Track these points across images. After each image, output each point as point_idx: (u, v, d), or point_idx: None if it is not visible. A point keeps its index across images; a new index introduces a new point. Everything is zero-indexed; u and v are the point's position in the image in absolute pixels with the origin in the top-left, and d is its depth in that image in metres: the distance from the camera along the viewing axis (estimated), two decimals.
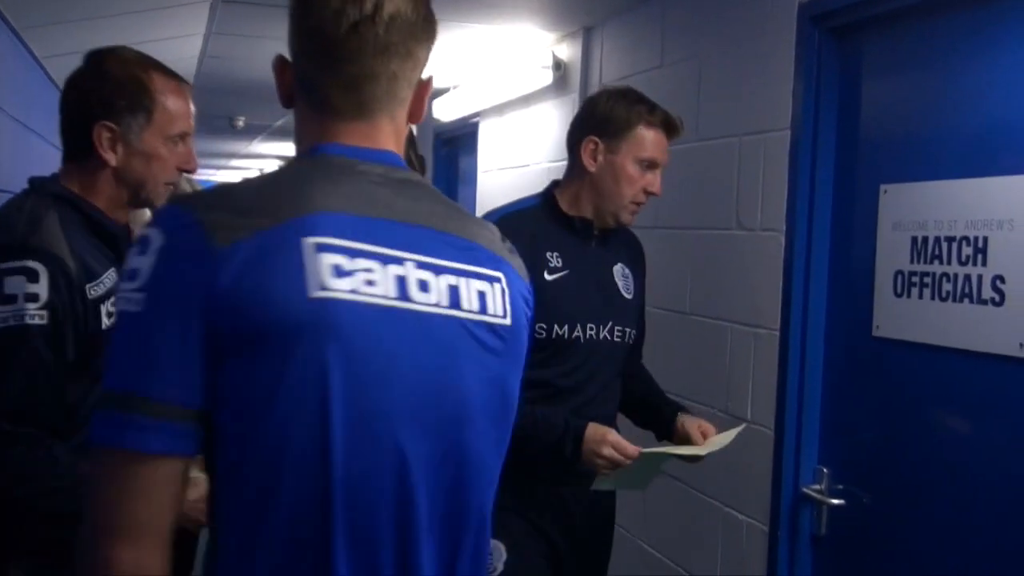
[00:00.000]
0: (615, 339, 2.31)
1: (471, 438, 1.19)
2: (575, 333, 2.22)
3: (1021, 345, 2.02)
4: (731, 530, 2.91)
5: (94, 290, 1.73)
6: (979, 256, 2.12)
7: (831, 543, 2.58)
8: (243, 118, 8.17)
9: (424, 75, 1.27)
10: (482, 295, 1.21)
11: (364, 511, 1.11)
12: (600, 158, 2.26)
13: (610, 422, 2.34)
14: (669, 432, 2.41)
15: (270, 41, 4.55)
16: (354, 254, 1.11)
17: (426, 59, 1.25)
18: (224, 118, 8.09)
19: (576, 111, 2.36)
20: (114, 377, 1.07)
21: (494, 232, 1.29)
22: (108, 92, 1.75)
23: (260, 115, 8.02)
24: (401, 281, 1.14)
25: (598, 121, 2.27)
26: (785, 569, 2.67)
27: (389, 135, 1.23)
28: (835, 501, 2.52)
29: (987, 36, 2.17)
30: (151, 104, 1.77)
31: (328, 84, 1.20)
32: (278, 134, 9.55)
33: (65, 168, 1.83)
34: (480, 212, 5.18)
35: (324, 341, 1.07)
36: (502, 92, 4.72)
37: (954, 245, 2.18)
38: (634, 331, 2.38)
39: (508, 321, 1.23)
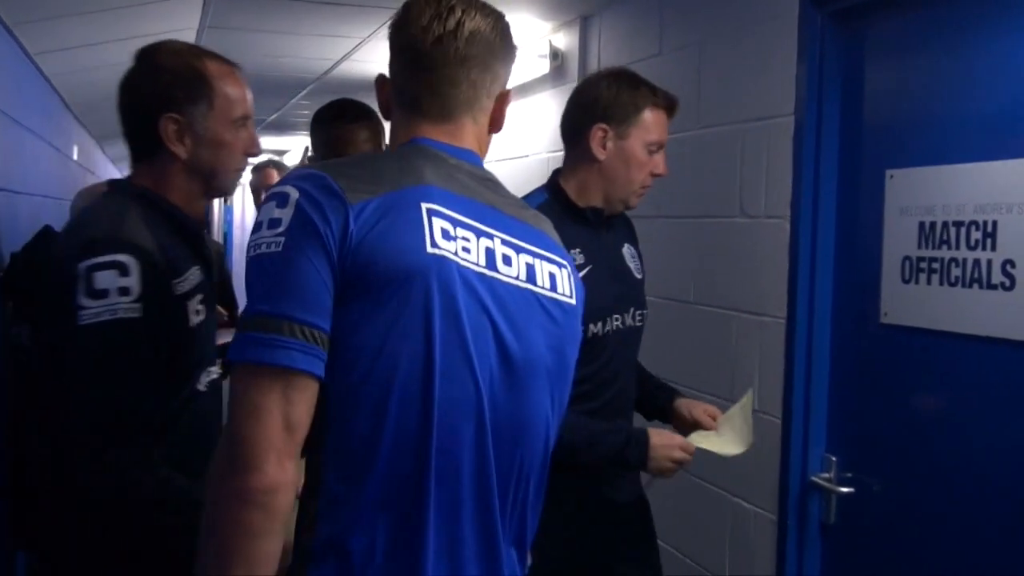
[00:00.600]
0: (636, 323, 2.31)
1: (533, 392, 1.37)
2: (607, 328, 2.20)
3: None
4: (739, 520, 2.89)
5: (179, 287, 1.70)
6: (988, 240, 2.10)
7: (840, 532, 2.56)
8: None
9: (502, 87, 1.47)
10: (552, 276, 1.41)
11: (452, 440, 1.28)
12: (609, 145, 2.23)
13: (632, 407, 2.35)
14: (665, 416, 2.41)
15: (264, 35, 4.52)
16: (456, 223, 1.31)
17: (505, 76, 1.46)
18: None
19: (571, 98, 2.31)
20: (261, 303, 1.21)
21: (552, 228, 1.49)
22: (167, 84, 1.73)
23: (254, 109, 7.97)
24: (490, 253, 1.33)
25: (604, 108, 2.23)
26: (794, 558, 2.65)
27: (471, 137, 1.43)
28: (844, 489, 2.51)
29: (993, 18, 2.14)
30: (210, 91, 1.76)
31: (417, 89, 1.41)
32: (271, 128, 9.51)
33: (136, 169, 1.81)
34: None
35: (434, 288, 1.26)
36: None
37: (963, 230, 2.16)
38: (647, 310, 2.37)
39: (574, 301, 1.45)
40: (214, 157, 1.78)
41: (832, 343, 2.61)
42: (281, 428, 1.19)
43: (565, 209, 2.25)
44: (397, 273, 1.24)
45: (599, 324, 2.18)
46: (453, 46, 1.38)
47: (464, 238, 1.31)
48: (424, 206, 1.29)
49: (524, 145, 4.57)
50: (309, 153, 2.64)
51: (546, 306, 1.39)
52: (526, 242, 1.39)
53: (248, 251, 1.26)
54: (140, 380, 1.61)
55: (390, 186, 1.28)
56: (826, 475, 2.57)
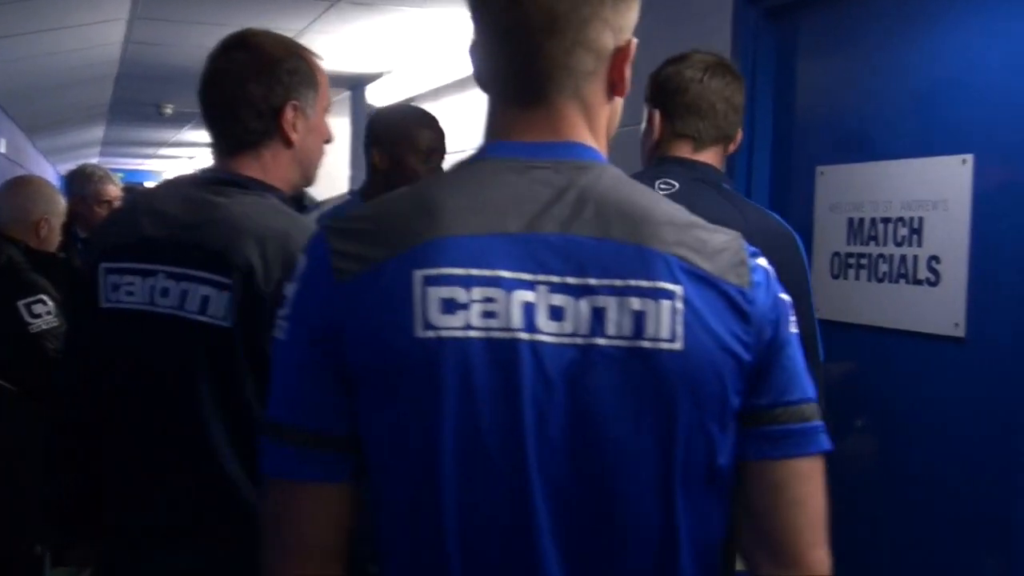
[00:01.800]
0: None
1: (620, 486, 1.02)
2: None
3: (956, 324, 2.04)
4: None
5: None
6: (915, 237, 2.13)
7: None
8: (171, 105, 7.99)
9: (620, 40, 1.10)
10: (640, 316, 1.01)
11: (485, 567, 1.03)
12: None
13: None
14: None
15: (196, 26, 4.44)
16: (473, 283, 1.01)
17: (620, 21, 1.10)
18: (151, 105, 7.91)
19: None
20: (268, 405, 1.08)
21: (691, 234, 1.06)
22: (289, 71, 1.71)
23: (189, 102, 7.84)
24: (528, 309, 1.01)
25: None
26: None
27: (576, 121, 1.10)
28: None
29: (922, 17, 2.18)
30: (316, 78, 1.75)
31: (497, 68, 1.11)
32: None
33: (236, 161, 1.71)
34: None
35: (430, 383, 1.00)
36: (437, 77, 4.67)
37: (890, 226, 2.19)
38: None
39: (678, 346, 1.01)
40: (316, 144, 1.77)
41: None
42: (295, 539, 1.07)
43: None
44: (381, 366, 1.02)
45: None
46: (534, 5, 1.04)
47: (486, 299, 1.01)
48: (418, 275, 1.01)
49: (464, 140, 4.55)
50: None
51: (626, 363, 1.01)
52: (597, 276, 1.02)
53: None
54: None
55: (388, 250, 1.03)
56: None
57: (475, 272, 1.01)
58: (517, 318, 1.01)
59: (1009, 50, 1.99)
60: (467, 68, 4.18)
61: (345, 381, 1.03)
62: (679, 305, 1.02)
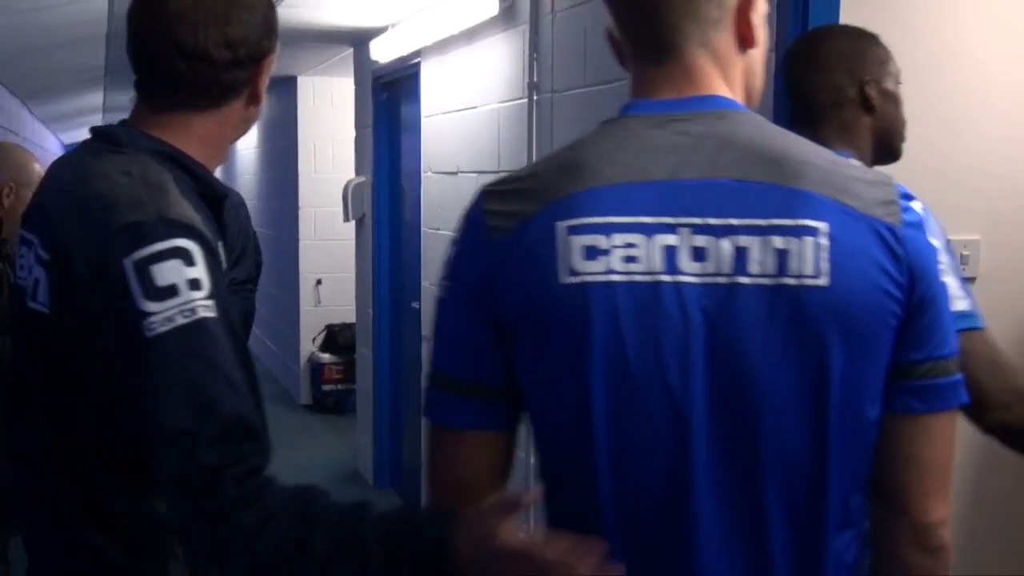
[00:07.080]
0: None
1: (766, 422, 1.08)
2: None
3: None
4: None
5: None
6: None
7: None
8: None
9: None
10: (782, 254, 1.05)
11: (634, 508, 1.11)
12: None
13: None
14: None
15: None
16: (612, 230, 1.08)
17: None
18: None
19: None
20: (432, 357, 1.18)
21: (838, 173, 1.10)
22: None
23: None
24: (670, 252, 1.08)
25: None
26: None
27: (710, 72, 1.15)
28: None
29: None
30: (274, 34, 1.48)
31: (633, 25, 1.17)
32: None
33: (150, 114, 1.44)
34: (427, 160, 4.87)
35: (578, 327, 1.08)
36: (444, 27, 4.41)
37: None
38: None
39: (823, 281, 1.05)
40: (243, 116, 1.49)
41: None
42: (456, 483, 1.18)
43: None
44: (532, 315, 1.11)
45: None
46: None
47: (627, 244, 1.08)
48: (561, 225, 1.09)
49: (472, 96, 4.30)
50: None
51: (768, 300, 1.06)
52: (739, 216, 1.07)
53: None
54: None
55: (534, 205, 1.12)
56: None
57: (615, 219, 1.08)
58: (658, 261, 1.08)
59: None
60: (476, 16, 3.86)
61: (501, 334, 1.12)
62: (823, 241, 1.05)
